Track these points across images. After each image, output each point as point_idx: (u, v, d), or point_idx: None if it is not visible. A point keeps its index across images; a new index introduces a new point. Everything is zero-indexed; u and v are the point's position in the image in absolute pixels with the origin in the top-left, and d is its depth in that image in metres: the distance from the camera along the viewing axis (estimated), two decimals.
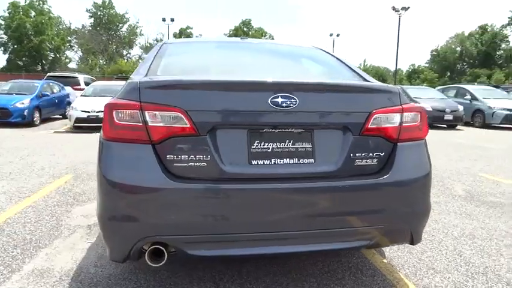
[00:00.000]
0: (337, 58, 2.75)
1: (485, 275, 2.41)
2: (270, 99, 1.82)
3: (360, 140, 1.93)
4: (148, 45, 57.35)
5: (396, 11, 34.02)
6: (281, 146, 1.86)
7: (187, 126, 1.76)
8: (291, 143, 1.87)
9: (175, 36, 53.04)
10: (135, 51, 66.83)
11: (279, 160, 1.85)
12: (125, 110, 1.79)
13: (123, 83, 2.80)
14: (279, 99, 1.82)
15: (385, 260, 2.57)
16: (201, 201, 1.75)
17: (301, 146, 1.88)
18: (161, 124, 1.76)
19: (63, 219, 3.27)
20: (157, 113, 1.77)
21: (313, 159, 1.88)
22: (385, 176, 1.90)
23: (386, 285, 2.26)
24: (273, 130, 1.86)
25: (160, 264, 1.80)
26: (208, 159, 1.77)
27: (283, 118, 1.85)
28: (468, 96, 14.52)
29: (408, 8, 33.50)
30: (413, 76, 57.56)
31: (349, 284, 2.25)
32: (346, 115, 1.92)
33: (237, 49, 2.88)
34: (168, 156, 1.75)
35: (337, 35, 51.14)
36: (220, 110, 1.82)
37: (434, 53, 60.74)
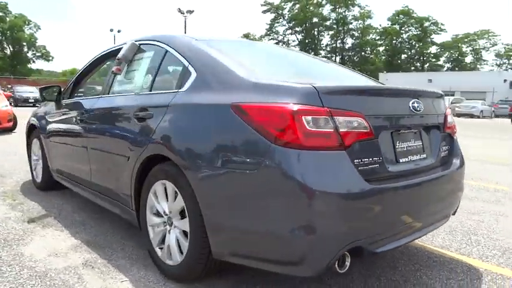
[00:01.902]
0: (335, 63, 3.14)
1: None
2: (410, 104, 2.06)
3: (443, 136, 2.38)
4: None
5: (182, 13, 35.53)
6: (410, 144, 2.12)
7: (368, 130, 1.81)
8: (412, 142, 2.16)
9: None
10: None
11: (410, 157, 2.11)
12: (316, 117, 1.68)
13: None
14: (416, 104, 2.09)
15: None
16: (388, 200, 1.84)
17: (418, 144, 2.19)
18: (350, 129, 1.75)
19: None
20: (345, 118, 1.75)
21: (425, 155, 2.22)
22: (454, 165, 2.41)
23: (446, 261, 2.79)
24: (406, 131, 2.11)
25: (346, 269, 1.78)
26: (380, 160, 1.88)
27: (415, 120, 2.13)
28: None
29: (193, 11, 35.50)
30: None
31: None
32: (438, 116, 2.35)
33: (275, 50, 3.00)
34: (355, 160, 1.76)
35: (118, 31, 49.38)
36: (382, 114, 1.94)
37: None
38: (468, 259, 2.67)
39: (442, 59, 63.24)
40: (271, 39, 64.40)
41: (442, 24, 59.61)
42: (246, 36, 64.16)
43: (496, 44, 59.72)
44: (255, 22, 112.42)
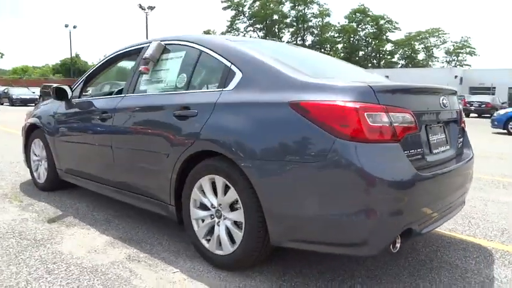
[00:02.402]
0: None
1: None
2: (440, 100, 2.32)
3: (459, 129, 2.67)
4: None
5: (143, 9, 34.80)
6: (438, 137, 2.38)
7: (414, 125, 2.04)
8: (439, 135, 2.41)
9: None
10: None
11: (439, 148, 2.36)
12: (376, 113, 1.88)
13: None
14: (444, 101, 2.35)
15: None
16: (431, 187, 2.07)
17: (443, 137, 2.45)
18: (401, 124, 1.96)
19: None
20: (397, 114, 1.96)
21: (448, 146, 2.49)
22: (468, 155, 2.70)
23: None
24: (435, 125, 2.36)
25: (397, 249, 2.00)
26: (422, 151, 2.11)
27: (442, 115, 2.39)
28: None
29: (154, 7, 34.87)
30: None
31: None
32: (456, 112, 2.62)
33: (292, 49, 3.13)
34: (405, 152, 1.98)
35: (74, 27, 47.62)
36: (422, 110, 2.19)
37: None
38: (475, 239, 2.99)
39: (397, 56, 65.90)
40: (232, 36, 64.40)
41: (396, 22, 62.10)
42: (207, 32, 63.75)
43: (446, 42, 62.99)
44: (215, 19, 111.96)
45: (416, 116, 2.07)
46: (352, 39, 62.67)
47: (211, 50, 2.60)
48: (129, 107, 2.97)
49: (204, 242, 2.45)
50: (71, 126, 3.64)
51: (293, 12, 61.97)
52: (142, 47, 3.15)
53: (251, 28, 63.49)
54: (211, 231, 2.43)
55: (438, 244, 2.85)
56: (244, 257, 2.24)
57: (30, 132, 4.27)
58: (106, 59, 3.61)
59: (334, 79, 2.16)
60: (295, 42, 63.50)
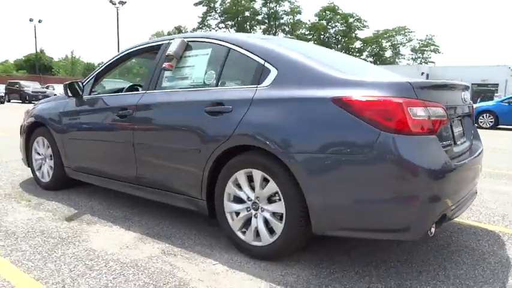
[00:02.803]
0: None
1: None
2: (462, 95, 2.49)
3: (471, 122, 2.86)
4: None
5: (113, 4, 33.96)
6: (458, 130, 2.56)
7: (446, 118, 2.20)
8: (459, 128, 2.59)
9: None
10: None
11: (460, 140, 2.54)
12: (417, 107, 2.02)
13: None
14: (465, 96, 2.54)
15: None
16: (461, 175, 2.24)
17: (460, 129, 2.63)
18: (437, 117, 2.11)
19: None
20: (433, 108, 2.10)
21: (465, 138, 2.67)
22: (479, 147, 2.90)
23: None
24: (456, 118, 2.53)
25: (433, 234, 2.15)
26: (451, 142, 2.28)
27: (462, 109, 2.57)
28: None
29: (126, 2, 34.09)
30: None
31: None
32: (469, 106, 2.81)
33: (316, 47, 3.29)
34: (440, 143, 2.13)
35: (39, 21, 45.92)
36: (449, 104, 2.35)
37: None
38: (481, 224, 3.21)
39: (365, 53, 67.42)
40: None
41: (364, 20, 63.44)
42: (178, 29, 62.97)
43: (412, 40, 64.96)
44: (187, 15, 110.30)
45: (446, 110, 2.23)
46: (322, 36, 63.54)
47: (241, 47, 2.67)
48: (152, 103, 2.99)
49: (239, 234, 2.53)
50: (82, 123, 3.60)
51: (264, 9, 62.18)
52: (161, 44, 3.18)
53: (223, 25, 63.19)
54: (246, 223, 2.51)
55: (450, 230, 3.05)
56: (285, 247, 2.34)
57: (32, 130, 4.18)
58: (118, 56, 3.59)
59: (371, 75, 2.29)
60: None
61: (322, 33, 63.13)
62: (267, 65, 2.49)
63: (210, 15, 62.91)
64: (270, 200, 2.40)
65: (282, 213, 2.32)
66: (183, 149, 2.74)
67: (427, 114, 2.06)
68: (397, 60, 66.45)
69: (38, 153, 4.15)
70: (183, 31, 63.12)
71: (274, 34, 63.34)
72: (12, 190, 4.05)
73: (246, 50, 2.64)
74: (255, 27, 63.94)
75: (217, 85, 2.72)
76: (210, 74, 2.79)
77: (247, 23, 63.15)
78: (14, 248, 2.59)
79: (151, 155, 2.99)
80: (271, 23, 62.47)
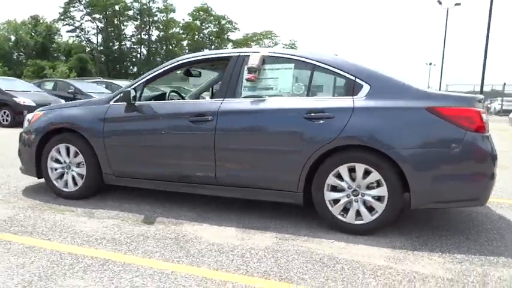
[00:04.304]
0: None
1: None
2: (485, 104, 3.53)
3: None
4: None
5: None
6: None
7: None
8: None
9: None
10: None
11: None
12: (483, 114, 2.95)
13: None
14: (485, 104, 3.56)
15: None
16: None
17: None
18: (486, 121, 3.06)
19: None
20: (485, 115, 3.05)
21: None
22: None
23: None
24: None
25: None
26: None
27: None
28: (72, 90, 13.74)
29: None
30: None
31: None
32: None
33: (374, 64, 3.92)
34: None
35: None
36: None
37: None
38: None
39: None
40: (66, 24, 58.37)
41: (235, 23, 66.51)
42: (35, 18, 56.10)
43: (277, 44, 70.51)
44: (46, 4, 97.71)
45: None
46: (196, 36, 64.28)
47: (327, 64, 3.25)
48: (237, 110, 3.33)
49: (339, 217, 3.12)
50: (139, 129, 3.64)
51: (136, 5, 59.87)
52: (229, 56, 3.54)
53: (89, 17, 58.64)
54: (346, 207, 3.12)
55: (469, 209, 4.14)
56: (384, 222, 3.03)
57: (49, 138, 3.95)
58: (174, 64, 3.75)
59: (446, 91, 3.14)
60: (139, 36, 61.51)
61: (196, 33, 63.79)
62: (358, 80, 3.14)
63: (73, 7, 57.75)
64: (368, 187, 3.06)
65: (383, 196, 3.00)
66: (281, 150, 3.19)
67: (486, 119, 3.01)
68: None
69: (59, 162, 3.93)
70: (41, 21, 56.58)
71: (148, 31, 61.50)
72: (33, 204, 3.77)
73: (334, 67, 3.24)
74: (125, 23, 61.06)
75: (308, 95, 3.25)
76: (298, 86, 3.30)
77: (117, 18, 59.89)
78: (183, 254, 2.71)
79: (238, 156, 3.33)
80: (145, 19, 60.50)
